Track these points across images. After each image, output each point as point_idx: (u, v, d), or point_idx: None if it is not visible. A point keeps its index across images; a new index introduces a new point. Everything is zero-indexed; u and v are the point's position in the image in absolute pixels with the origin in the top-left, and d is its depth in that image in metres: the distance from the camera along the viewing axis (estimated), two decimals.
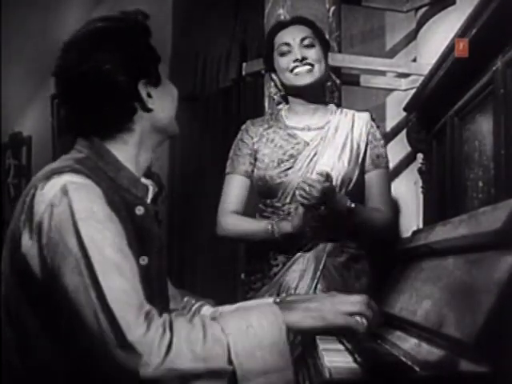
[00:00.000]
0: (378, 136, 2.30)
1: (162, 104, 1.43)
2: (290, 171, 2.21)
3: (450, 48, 1.84)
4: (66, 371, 1.25)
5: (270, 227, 2.17)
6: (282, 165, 2.23)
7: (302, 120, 2.29)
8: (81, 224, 1.22)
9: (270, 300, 1.51)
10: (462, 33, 1.76)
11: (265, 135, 2.30)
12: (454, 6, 2.90)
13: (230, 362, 1.17)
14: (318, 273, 2.19)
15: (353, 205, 2.16)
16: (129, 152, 1.40)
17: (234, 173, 2.31)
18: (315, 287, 2.18)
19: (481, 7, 1.62)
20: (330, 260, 2.20)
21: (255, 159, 2.28)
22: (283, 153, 2.24)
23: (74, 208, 1.23)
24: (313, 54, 2.23)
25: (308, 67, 2.22)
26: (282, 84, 2.29)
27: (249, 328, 1.20)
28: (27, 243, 1.26)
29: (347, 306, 1.29)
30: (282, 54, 2.25)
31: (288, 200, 2.22)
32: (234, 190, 2.30)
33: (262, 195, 2.29)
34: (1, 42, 4.57)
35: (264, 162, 2.25)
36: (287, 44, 2.24)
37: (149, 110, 1.40)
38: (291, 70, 2.23)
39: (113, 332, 1.15)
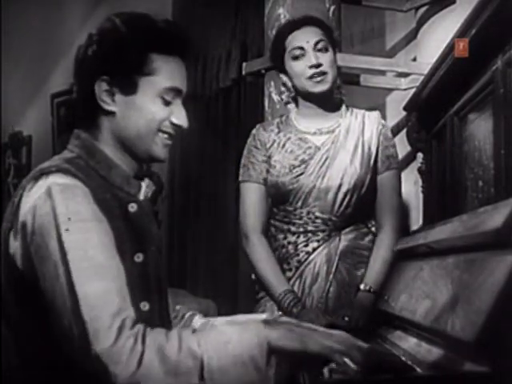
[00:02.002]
0: (389, 136, 2.28)
1: (127, 114, 1.37)
2: (301, 176, 2.19)
3: (450, 47, 1.83)
4: (57, 372, 1.25)
5: (282, 296, 2.15)
6: (294, 170, 2.20)
7: (312, 124, 2.26)
8: (63, 227, 1.21)
9: (263, 316, 1.52)
10: (461, 33, 1.76)
11: (276, 140, 2.27)
12: (453, 6, 2.90)
13: (202, 377, 1.16)
14: (331, 276, 2.18)
15: (367, 287, 2.15)
16: (115, 151, 1.40)
17: (251, 181, 2.27)
18: (328, 291, 2.18)
19: (480, 7, 1.62)
20: (342, 262, 2.20)
21: (269, 165, 2.25)
22: (294, 158, 2.22)
23: (57, 211, 1.22)
24: (327, 58, 2.19)
25: (322, 75, 2.18)
26: (294, 86, 2.26)
27: (227, 344, 1.19)
28: (13, 244, 1.27)
29: (329, 341, 1.25)
30: (295, 58, 2.20)
31: (300, 204, 2.20)
32: (256, 200, 2.26)
33: (275, 200, 2.26)
34: (1, 41, 4.57)
35: (276, 168, 2.22)
36: (301, 48, 2.20)
37: (106, 112, 1.37)
38: (309, 77, 2.18)
39: (82, 340, 1.15)
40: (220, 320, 1.56)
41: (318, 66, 2.18)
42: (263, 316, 1.54)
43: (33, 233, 1.23)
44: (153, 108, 1.38)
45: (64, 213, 1.23)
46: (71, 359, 1.18)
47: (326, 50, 2.21)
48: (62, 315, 1.18)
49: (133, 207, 1.36)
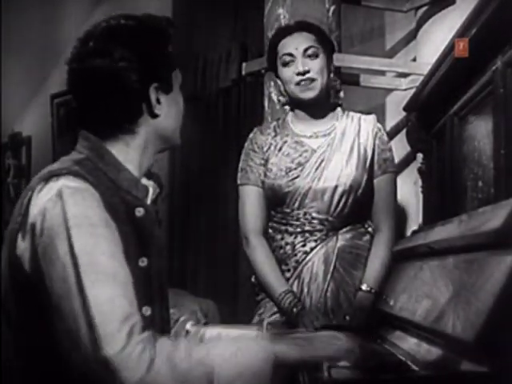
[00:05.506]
0: (385, 139, 2.28)
1: (169, 112, 1.41)
2: (297, 179, 2.20)
3: (450, 48, 1.84)
4: (56, 372, 1.25)
5: (282, 296, 2.16)
6: (290, 173, 2.21)
7: (308, 127, 2.27)
8: (73, 230, 1.21)
9: (255, 329, 1.54)
10: (461, 33, 1.76)
11: (273, 143, 2.28)
12: (453, 6, 2.90)
13: None
14: (329, 275, 2.19)
15: (367, 288, 2.16)
16: (130, 154, 1.39)
17: (250, 184, 2.27)
18: (326, 290, 2.18)
19: (481, 7, 1.63)
20: (340, 261, 2.20)
21: (266, 168, 2.25)
22: (291, 161, 2.22)
23: (67, 213, 1.22)
24: (316, 65, 2.19)
25: (309, 82, 2.18)
26: (286, 91, 2.26)
27: (235, 354, 1.21)
28: (21, 245, 1.26)
29: (336, 340, 1.32)
30: (285, 65, 2.21)
31: (296, 206, 2.21)
32: (255, 203, 2.27)
33: (272, 203, 2.27)
34: (1, 41, 4.57)
35: (272, 171, 2.23)
36: (290, 54, 2.20)
37: (155, 116, 1.39)
38: (296, 83, 2.19)
39: (91, 343, 1.14)
40: (211, 329, 1.57)
41: (305, 73, 2.18)
42: (255, 330, 1.55)
43: (42, 234, 1.22)
44: (181, 100, 1.46)
45: (74, 216, 1.22)
46: (74, 360, 1.18)
47: (315, 56, 2.21)
48: (68, 317, 1.17)
49: (140, 211, 1.36)
